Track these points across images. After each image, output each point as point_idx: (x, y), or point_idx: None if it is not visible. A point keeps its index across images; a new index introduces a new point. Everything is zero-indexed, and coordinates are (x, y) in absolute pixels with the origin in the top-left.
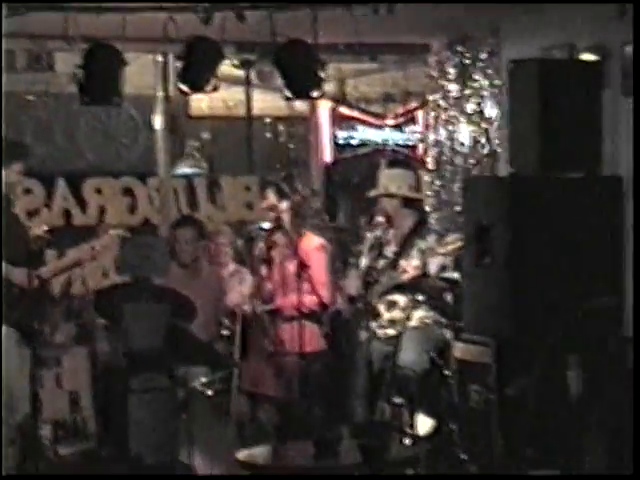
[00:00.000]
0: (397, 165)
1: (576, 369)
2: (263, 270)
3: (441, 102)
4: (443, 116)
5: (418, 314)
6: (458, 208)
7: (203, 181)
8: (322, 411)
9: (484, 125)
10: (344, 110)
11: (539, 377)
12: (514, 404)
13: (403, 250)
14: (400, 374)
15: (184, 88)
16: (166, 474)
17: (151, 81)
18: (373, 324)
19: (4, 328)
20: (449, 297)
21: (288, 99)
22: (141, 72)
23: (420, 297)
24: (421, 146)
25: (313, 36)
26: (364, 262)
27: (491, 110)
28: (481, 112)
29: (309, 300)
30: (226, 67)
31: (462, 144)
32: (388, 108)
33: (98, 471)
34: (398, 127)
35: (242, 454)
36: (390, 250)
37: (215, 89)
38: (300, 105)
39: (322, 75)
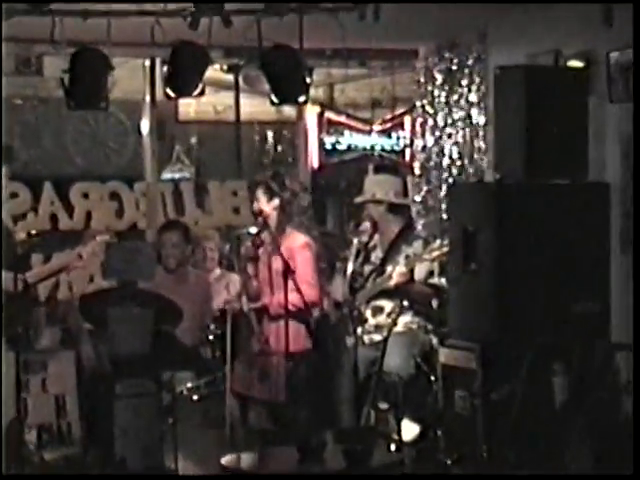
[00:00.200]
0: (383, 171)
1: (561, 375)
2: (250, 269)
3: (428, 108)
4: (430, 122)
5: (404, 319)
6: (444, 214)
7: (190, 186)
8: (307, 416)
9: (471, 131)
10: (331, 115)
11: (524, 383)
12: (499, 409)
13: (389, 256)
14: (386, 379)
15: (171, 93)
16: (157, 474)
17: (139, 86)
18: (359, 329)
19: None
20: (435, 303)
21: (274, 104)
22: (129, 77)
23: (406, 302)
24: (408, 151)
25: (299, 41)
26: (350, 267)
27: (478, 116)
28: (468, 118)
29: (295, 298)
30: (214, 72)
31: (449, 150)
32: (375, 113)
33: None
34: (385, 132)
35: (226, 459)
36: (376, 256)
37: (202, 94)
38: (288, 110)
39: (308, 80)
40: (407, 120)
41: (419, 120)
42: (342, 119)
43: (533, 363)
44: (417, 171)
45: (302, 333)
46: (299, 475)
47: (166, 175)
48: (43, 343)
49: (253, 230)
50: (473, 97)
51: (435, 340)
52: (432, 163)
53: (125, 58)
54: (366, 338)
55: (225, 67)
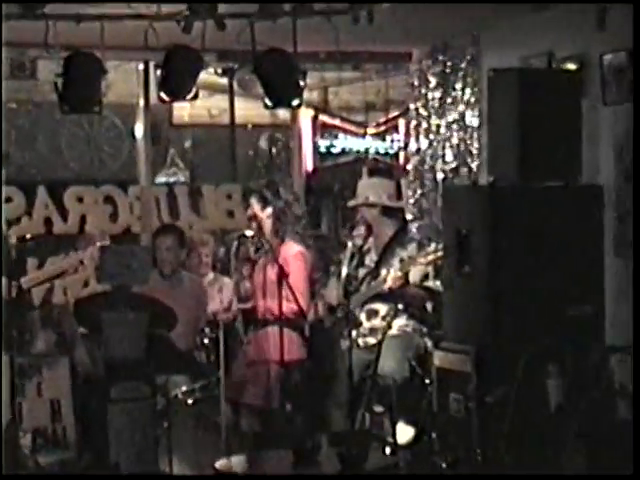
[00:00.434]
0: (377, 174)
1: (555, 377)
2: (245, 270)
3: (422, 110)
4: (424, 124)
5: (398, 322)
6: (438, 217)
7: (185, 189)
8: (302, 419)
9: (464, 134)
10: (326, 118)
11: (519, 386)
12: (494, 412)
13: (384, 259)
14: (380, 382)
15: (165, 96)
16: (155, 475)
17: (133, 89)
18: (354, 332)
19: None
20: (429, 306)
21: (268, 108)
22: (123, 80)
23: (400, 306)
24: (402, 154)
25: (293, 45)
26: (345, 271)
27: (471, 119)
28: (462, 120)
29: (287, 307)
30: (208, 75)
31: (443, 152)
32: (370, 116)
33: None
34: (379, 135)
35: (219, 463)
36: (371, 259)
37: (195, 97)
38: (282, 113)
39: (302, 84)
40: (401, 123)
41: (413, 123)
42: (336, 122)
43: (527, 366)
44: (411, 174)
45: (296, 342)
46: (295, 475)
47: (160, 179)
48: (38, 347)
49: (249, 233)
50: (467, 100)
51: (430, 343)
52: (426, 166)
53: (119, 62)
54: (361, 341)
55: (219, 70)
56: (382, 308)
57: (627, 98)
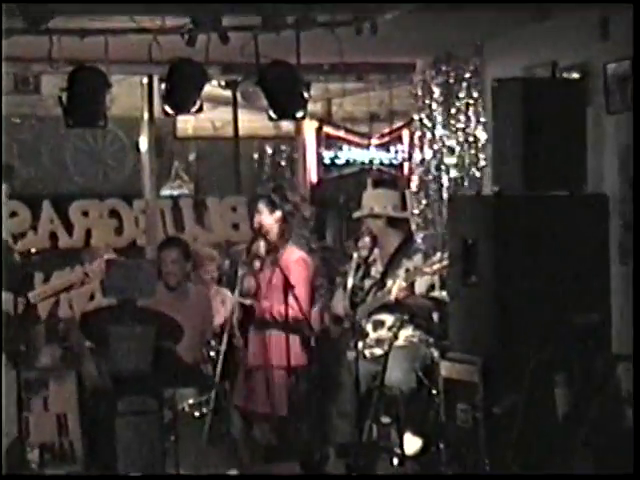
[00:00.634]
0: (382, 185)
1: (563, 387)
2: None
3: (426, 121)
4: (428, 135)
5: (405, 333)
6: (444, 227)
7: (189, 202)
8: (309, 431)
9: (469, 144)
10: (330, 130)
11: (526, 395)
12: (501, 422)
13: (389, 270)
14: (387, 393)
15: (169, 110)
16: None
17: (137, 103)
18: (360, 344)
19: None
20: (436, 316)
21: (272, 120)
22: (127, 94)
23: (407, 316)
24: (406, 165)
25: (296, 57)
26: (350, 282)
27: (476, 129)
28: (466, 130)
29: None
30: (212, 88)
31: (447, 163)
32: (373, 127)
33: None
34: (384, 146)
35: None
36: (376, 270)
37: (200, 110)
38: (286, 125)
39: (306, 96)
40: (405, 134)
41: (417, 134)
42: (340, 134)
43: (535, 375)
44: (416, 184)
45: (296, 347)
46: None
47: (165, 192)
48: (42, 361)
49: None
50: (471, 110)
51: (436, 353)
52: (430, 176)
53: (123, 75)
54: (367, 352)
55: (223, 83)
56: (388, 319)
57: (631, 107)
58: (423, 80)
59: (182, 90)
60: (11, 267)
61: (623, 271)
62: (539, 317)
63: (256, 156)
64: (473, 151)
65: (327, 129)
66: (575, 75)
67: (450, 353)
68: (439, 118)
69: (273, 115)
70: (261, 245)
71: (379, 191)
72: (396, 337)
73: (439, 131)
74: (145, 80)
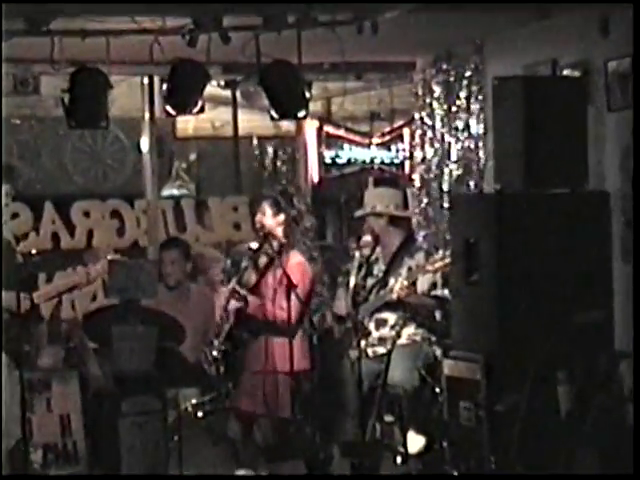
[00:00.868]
0: (383, 184)
1: (566, 384)
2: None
3: (427, 119)
4: (429, 133)
5: (407, 331)
6: (445, 225)
7: (191, 202)
8: (313, 430)
9: (470, 142)
10: (330, 129)
11: (529, 393)
12: (504, 420)
13: (391, 268)
14: (390, 392)
15: (171, 110)
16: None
17: (137, 103)
18: (363, 342)
19: None
20: (438, 314)
21: (274, 119)
22: (127, 94)
23: (409, 315)
24: (408, 164)
25: (298, 56)
26: (353, 281)
27: (477, 127)
28: (467, 129)
29: (278, 313)
30: (211, 88)
31: (448, 161)
32: (374, 126)
33: None
34: (385, 145)
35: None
36: (379, 268)
37: (202, 111)
38: (286, 124)
39: (308, 95)
40: (406, 132)
41: (418, 132)
42: (341, 133)
43: (537, 373)
44: (417, 183)
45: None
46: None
47: (166, 192)
48: (44, 362)
49: (254, 246)
50: (472, 108)
51: (439, 352)
52: (432, 175)
53: (122, 76)
54: (370, 351)
55: (222, 83)
56: (391, 317)
57: (632, 104)
58: (424, 79)
59: (184, 90)
60: (14, 268)
61: (625, 268)
62: (541, 315)
63: (257, 156)
64: (474, 149)
65: (328, 128)
66: (576, 73)
67: (453, 351)
68: (440, 117)
69: (275, 115)
70: (274, 245)
71: (381, 190)
72: (399, 336)
73: (440, 130)
74: (146, 80)
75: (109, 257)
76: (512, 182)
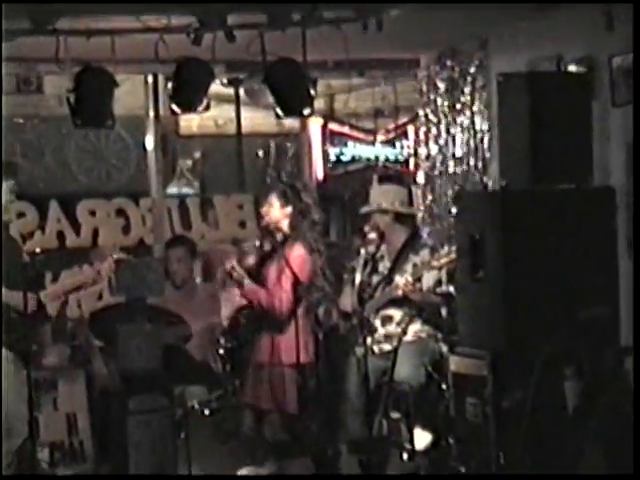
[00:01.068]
0: (388, 180)
1: (572, 380)
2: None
3: (432, 116)
4: (434, 130)
5: (413, 328)
6: (450, 222)
7: (196, 200)
8: (320, 427)
9: (474, 138)
10: (335, 126)
11: (535, 389)
12: (511, 416)
13: (397, 265)
14: (397, 389)
15: (176, 109)
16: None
17: (140, 102)
18: (369, 339)
19: (3, 351)
20: (444, 311)
21: (279, 117)
22: (131, 93)
23: (415, 311)
24: (412, 161)
25: (303, 54)
26: (358, 278)
27: (481, 123)
28: (472, 125)
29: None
30: (215, 85)
31: (453, 158)
32: (378, 123)
33: None
34: (389, 142)
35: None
36: (384, 265)
37: (207, 109)
38: (290, 122)
39: (313, 93)
40: (410, 129)
41: (422, 129)
42: (345, 130)
43: (544, 369)
44: (422, 180)
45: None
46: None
47: (171, 190)
48: (49, 360)
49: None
50: (476, 104)
51: (445, 348)
52: (436, 171)
53: (127, 75)
54: (376, 348)
55: (225, 81)
56: (397, 314)
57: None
58: (428, 75)
59: (189, 89)
60: (21, 267)
61: (631, 264)
62: (547, 311)
63: (261, 153)
64: (479, 146)
65: (332, 125)
66: (581, 68)
67: (459, 348)
68: (444, 113)
69: (280, 112)
70: (277, 237)
71: (386, 187)
72: (405, 332)
73: (444, 126)
74: (150, 79)
75: (115, 256)
76: (517, 178)
